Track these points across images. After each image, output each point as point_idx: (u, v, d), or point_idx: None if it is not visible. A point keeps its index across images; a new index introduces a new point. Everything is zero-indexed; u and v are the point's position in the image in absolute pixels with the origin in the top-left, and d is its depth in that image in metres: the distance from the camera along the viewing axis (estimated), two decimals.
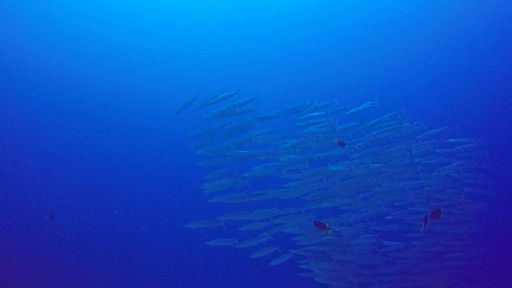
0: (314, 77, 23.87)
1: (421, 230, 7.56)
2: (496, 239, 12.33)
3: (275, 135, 8.34)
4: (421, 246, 10.12)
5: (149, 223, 17.13)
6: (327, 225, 7.48)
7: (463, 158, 10.38)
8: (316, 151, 8.70)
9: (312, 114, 8.42)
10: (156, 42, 23.42)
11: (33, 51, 21.80)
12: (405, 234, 10.32)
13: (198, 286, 14.45)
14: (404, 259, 10.16)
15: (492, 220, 11.23)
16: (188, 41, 23.56)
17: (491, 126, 19.19)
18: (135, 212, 17.64)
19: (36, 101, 21.73)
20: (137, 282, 14.45)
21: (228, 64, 23.95)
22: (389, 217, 10.17)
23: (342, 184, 9.22)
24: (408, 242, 10.15)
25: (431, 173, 10.19)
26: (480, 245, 10.59)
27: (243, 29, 23.16)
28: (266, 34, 23.30)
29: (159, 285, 14.42)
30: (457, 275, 10.57)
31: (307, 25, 22.80)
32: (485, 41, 21.80)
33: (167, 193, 18.83)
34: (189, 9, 22.32)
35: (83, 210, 16.85)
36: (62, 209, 16.48)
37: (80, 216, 16.56)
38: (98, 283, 14.04)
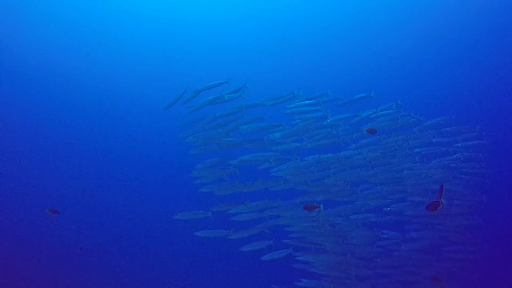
0: (312, 74, 23.68)
1: (442, 200, 7.27)
2: (494, 231, 12.12)
3: (265, 124, 8.23)
4: (419, 237, 9.97)
5: (142, 216, 17.14)
6: (316, 204, 7.33)
7: (461, 147, 10.22)
8: (308, 141, 8.58)
9: (302, 102, 8.31)
10: (145, 37, 23.38)
11: (31, 49, 21.95)
12: (403, 225, 10.19)
13: (195, 281, 14.44)
14: (402, 251, 10.01)
15: (490, 211, 11.04)
16: (179, 36, 23.50)
17: (489, 115, 18.91)
18: (128, 206, 17.66)
19: (31, 98, 21.88)
20: (132, 277, 14.46)
21: (219, 60, 23.84)
22: (389, 209, 10.03)
23: (338, 175, 9.11)
24: (406, 234, 10.00)
25: (428, 164, 10.04)
26: (478, 237, 10.41)
27: (237, 25, 23.07)
28: (263, 31, 23.19)
29: (152, 278, 14.42)
30: (455, 267, 10.39)
31: (302, 20, 22.63)
32: (479, 30, 21.47)
33: (160, 186, 18.83)
34: (181, 6, 22.29)
35: (76, 206, 16.89)
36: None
37: (75, 213, 16.58)
38: (94, 280, 14.05)
